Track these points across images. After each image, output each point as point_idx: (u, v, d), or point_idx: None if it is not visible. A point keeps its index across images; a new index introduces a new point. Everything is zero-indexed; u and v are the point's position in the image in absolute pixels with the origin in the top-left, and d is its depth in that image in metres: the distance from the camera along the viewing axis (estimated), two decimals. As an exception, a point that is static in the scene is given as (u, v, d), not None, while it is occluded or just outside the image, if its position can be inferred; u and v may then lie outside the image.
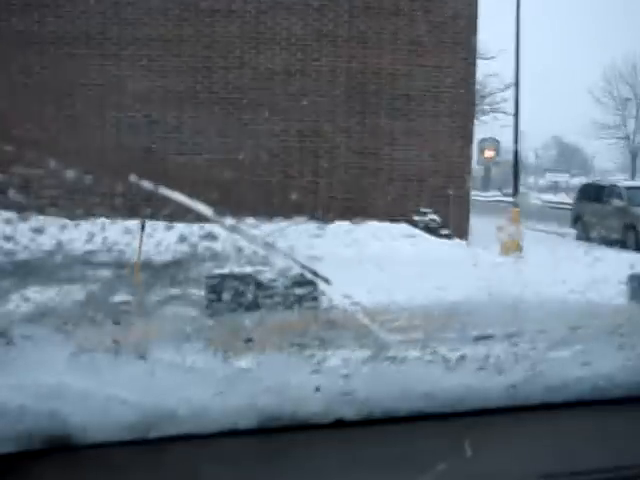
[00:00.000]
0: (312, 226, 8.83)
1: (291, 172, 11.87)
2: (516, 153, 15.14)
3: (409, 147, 12.33)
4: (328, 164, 12.05)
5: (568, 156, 51.90)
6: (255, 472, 1.03)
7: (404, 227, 11.51)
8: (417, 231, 11.56)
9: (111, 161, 8.23)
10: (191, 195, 1.20)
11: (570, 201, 18.70)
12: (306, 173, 12.02)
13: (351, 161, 12.22)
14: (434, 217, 12.02)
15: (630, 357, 1.26)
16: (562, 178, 44.37)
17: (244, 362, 1.18)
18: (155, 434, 1.05)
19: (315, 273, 1.22)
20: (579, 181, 24.13)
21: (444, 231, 11.82)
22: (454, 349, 1.25)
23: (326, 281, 1.21)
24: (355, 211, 11.19)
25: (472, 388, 1.16)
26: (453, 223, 12.12)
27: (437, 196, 12.30)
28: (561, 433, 1.15)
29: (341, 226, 10.65)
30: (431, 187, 12.36)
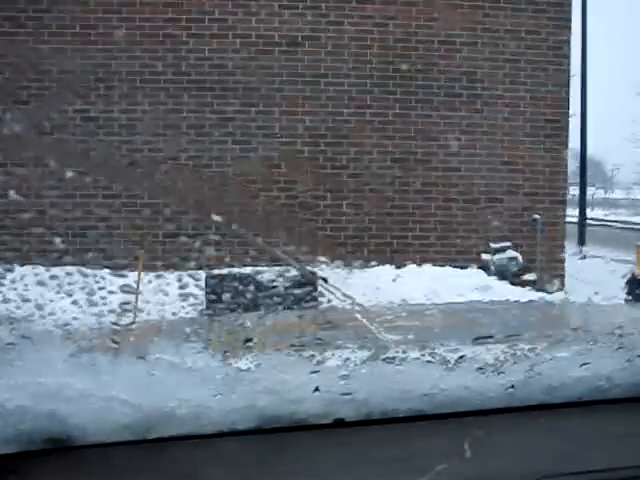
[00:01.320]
0: (330, 273, 5.08)
1: (297, 191, 7.92)
2: (583, 158, 12.09)
3: (475, 151, 8.31)
4: (354, 178, 8.08)
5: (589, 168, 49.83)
6: (254, 472, 1.03)
7: (469, 273, 7.60)
8: (488, 279, 7.52)
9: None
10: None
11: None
12: (320, 192, 7.97)
13: (387, 173, 8.17)
14: (513, 255, 7.97)
15: None
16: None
17: (243, 362, 1.18)
18: (154, 434, 1.06)
19: (313, 273, 1.22)
20: (602, 194, 21.06)
21: (528, 276, 7.88)
22: None
23: (325, 280, 1.21)
24: (396, 249, 7.98)
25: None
26: (542, 264, 8.22)
27: (516, 223, 8.35)
28: (561, 433, 1.15)
29: (378, 275, 7.02)
30: (507, 210, 8.36)
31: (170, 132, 7.73)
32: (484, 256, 7.93)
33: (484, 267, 7.75)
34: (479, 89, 8.28)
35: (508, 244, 8.02)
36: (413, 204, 8.21)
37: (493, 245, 7.97)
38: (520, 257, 7.98)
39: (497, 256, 7.89)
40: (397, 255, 7.83)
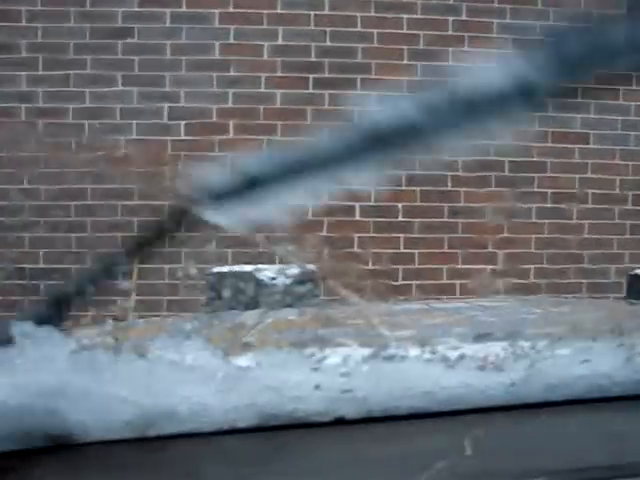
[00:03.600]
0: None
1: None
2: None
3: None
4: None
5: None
6: (254, 470, 1.03)
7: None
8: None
9: None
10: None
11: None
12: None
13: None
14: None
15: None
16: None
17: (243, 360, 1.18)
18: (155, 432, 1.06)
19: (314, 270, 1.22)
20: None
21: None
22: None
23: (324, 278, 1.21)
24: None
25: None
26: None
27: None
28: (562, 431, 1.15)
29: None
30: None
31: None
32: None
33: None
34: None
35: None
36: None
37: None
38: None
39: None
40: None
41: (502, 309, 1.92)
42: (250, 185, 0.92)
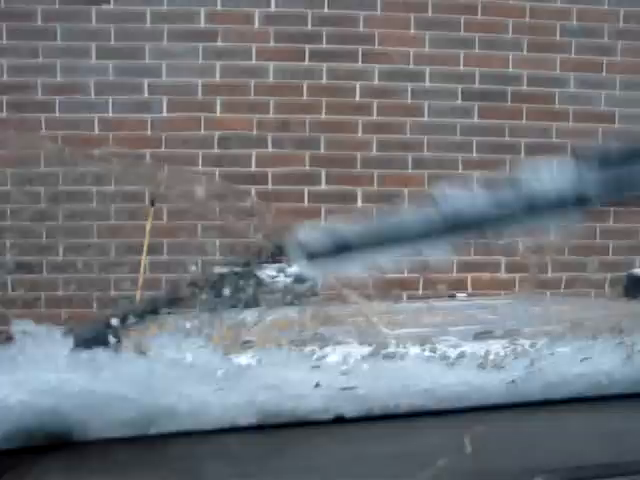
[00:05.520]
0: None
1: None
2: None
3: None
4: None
5: None
6: (254, 468, 1.03)
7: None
8: None
9: None
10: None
11: None
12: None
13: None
14: None
15: None
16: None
17: (244, 358, 1.18)
18: (155, 430, 1.06)
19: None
20: None
21: None
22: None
23: (324, 277, 1.22)
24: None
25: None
26: None
27: None
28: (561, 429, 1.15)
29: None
30: None
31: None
32: None
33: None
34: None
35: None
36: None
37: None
38: None
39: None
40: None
41: (502, 307, 1.92)
42: (341, 249, 1.06)
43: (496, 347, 1.27)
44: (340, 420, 1.11)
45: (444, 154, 4.86)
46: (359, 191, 4.86)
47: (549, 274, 5.03)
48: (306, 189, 4.83)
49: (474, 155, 4.89)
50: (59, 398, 1.03)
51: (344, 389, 1.13)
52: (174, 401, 1.07)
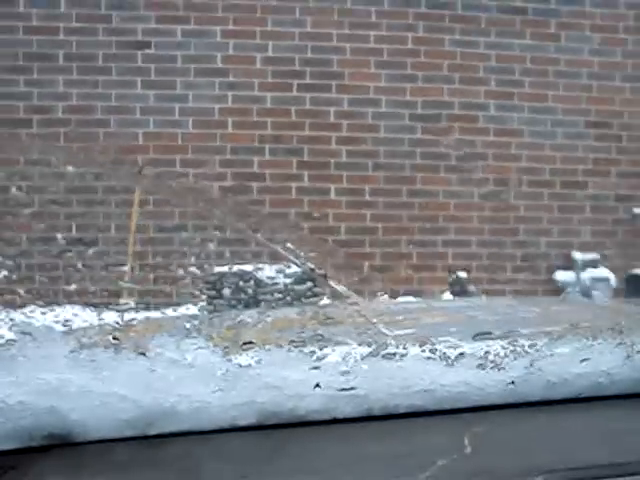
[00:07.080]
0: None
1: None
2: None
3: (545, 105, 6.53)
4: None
5: None
6: (254, 468, 1.03)
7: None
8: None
9: None
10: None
11: None
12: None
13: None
14: (604, 275, 5.20)
15: None
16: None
17: (243, 358, 1.18)
18: (155, 430, 1.06)
19: (313, 269, 1.22)
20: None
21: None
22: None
23: (324, 276, 1.22)
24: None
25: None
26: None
27: (606, 222, 5.94)
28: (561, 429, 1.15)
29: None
30: (592, 200, 6.22)
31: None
32: (561, 275, 4.88)
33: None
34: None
35: (596, 256, 5.06)
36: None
37: (579, 256, 4.79)
38: (613, 278, 5.01)
39: (586, 273, 4.77)
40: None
41: (501, 308, 1.92)
42: None
43: (496, 347, 1.26)
44: (340, 420, 1.11)
45: (395, 160, 6.72)
46: (332, 187, 6.71)
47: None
48: (294, 185, 6.67)
49: (418, 161, 6.72)
50: (59, 398, 1.03)
51: (344, 389, 1.13)
52: (174, 401, 1.07)
